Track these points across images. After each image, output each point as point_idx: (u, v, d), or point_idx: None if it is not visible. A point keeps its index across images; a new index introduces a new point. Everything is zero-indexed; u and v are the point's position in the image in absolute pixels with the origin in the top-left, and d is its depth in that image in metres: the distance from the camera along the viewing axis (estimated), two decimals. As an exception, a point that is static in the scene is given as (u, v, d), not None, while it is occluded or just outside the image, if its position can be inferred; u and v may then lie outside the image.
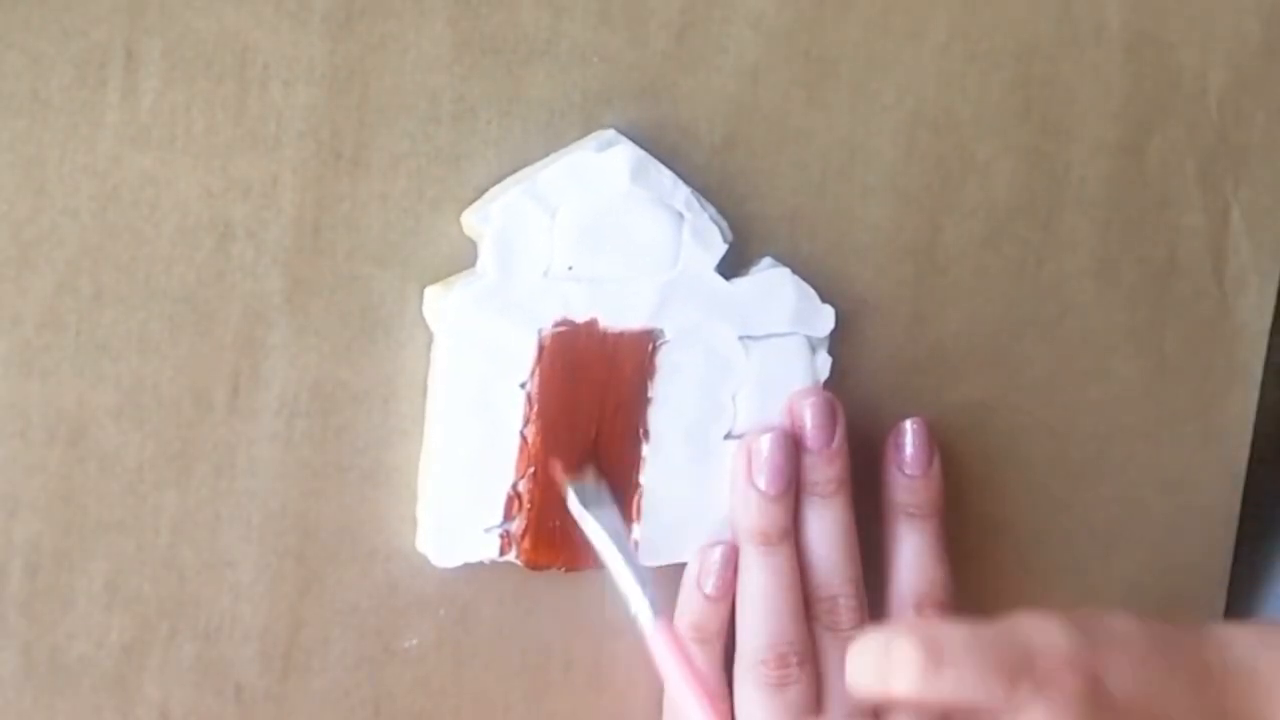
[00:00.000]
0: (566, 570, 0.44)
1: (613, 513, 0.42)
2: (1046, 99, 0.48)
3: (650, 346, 0.44)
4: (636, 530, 0.45)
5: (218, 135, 0.39)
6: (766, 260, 0.45)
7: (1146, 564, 0.54)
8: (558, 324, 0.43)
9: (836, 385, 0.46)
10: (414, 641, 0.45)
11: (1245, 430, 0.54)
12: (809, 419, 0.44)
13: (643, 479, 0.44)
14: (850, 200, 0.46)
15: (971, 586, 0.52)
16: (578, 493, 0.43)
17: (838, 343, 0.46)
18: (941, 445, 0.50)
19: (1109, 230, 0.50)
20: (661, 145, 0.43)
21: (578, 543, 0.44)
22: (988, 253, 0.49)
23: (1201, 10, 0.49)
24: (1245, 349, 0.53)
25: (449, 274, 0.42)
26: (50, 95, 0.38)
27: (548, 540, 0.44)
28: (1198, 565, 0.55)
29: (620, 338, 0.43)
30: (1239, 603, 0.57)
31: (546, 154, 0.43)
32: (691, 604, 0.44)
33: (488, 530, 0.43)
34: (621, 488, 0.44)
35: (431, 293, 0.42)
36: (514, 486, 0.43)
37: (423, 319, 0.42)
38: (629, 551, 0.41)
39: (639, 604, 0.40)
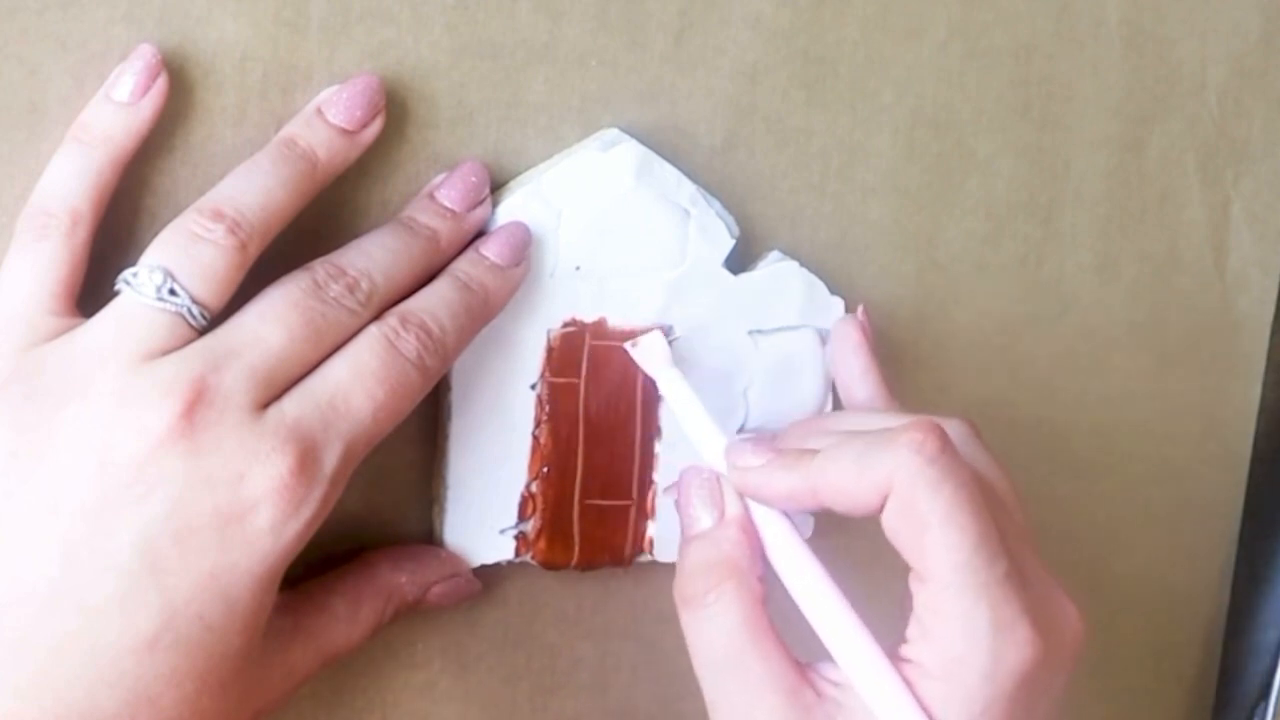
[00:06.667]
0: (581, 570, 0.44)
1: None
2: (1046, 95, 0.48)
3: (661, 344, 0.44)
4: (652, 527, 0.45)
5: (218, 144, 0.39)
6: (774, 254, 0.45)
7: (1149, 559, 0.54)
8: (566, 324, 0.43)
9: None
10: (420, 646, 0.45)
11: (1247, 424, 0.54)
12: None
13: (656, 476, 0.45)
14: (851, 199, 0.46)
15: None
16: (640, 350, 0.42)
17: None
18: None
19: (1109, 226, 0.50)
20: (661, 147, 0.43)
21: (591, 541, 0.44)
22: (988, 250, 0.49)
23: (1200, 4, 0.49)
24: (1247, 343, 0.53)
25: (452, 279, 0.42)
26: (49, 106, 0.38)
27: (562, 540, 0.44)
28: (1200, 560, 0.55)
29: (630, 335, 0.43)
30: (1240, 601, 0.57)
31: (546, 158, 0.43)
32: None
33: (503, 532, 0.43)
34: (636, 485, 0.44)
35: (439, 297, 0.42)
36: (528, 488, 0.43)
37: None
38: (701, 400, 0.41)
39: (717, 446, 0.40)
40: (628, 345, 0.43)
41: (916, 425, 0.36)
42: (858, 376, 0.44)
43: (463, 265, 0.40)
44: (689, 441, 0.41)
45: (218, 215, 0.36)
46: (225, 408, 0.34)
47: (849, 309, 0.46)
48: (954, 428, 0.39)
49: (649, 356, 0.42)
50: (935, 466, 0.35)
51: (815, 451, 0.38)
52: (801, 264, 0.45)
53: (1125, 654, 0.55)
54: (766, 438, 0.41)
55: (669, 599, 0.43)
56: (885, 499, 0.36)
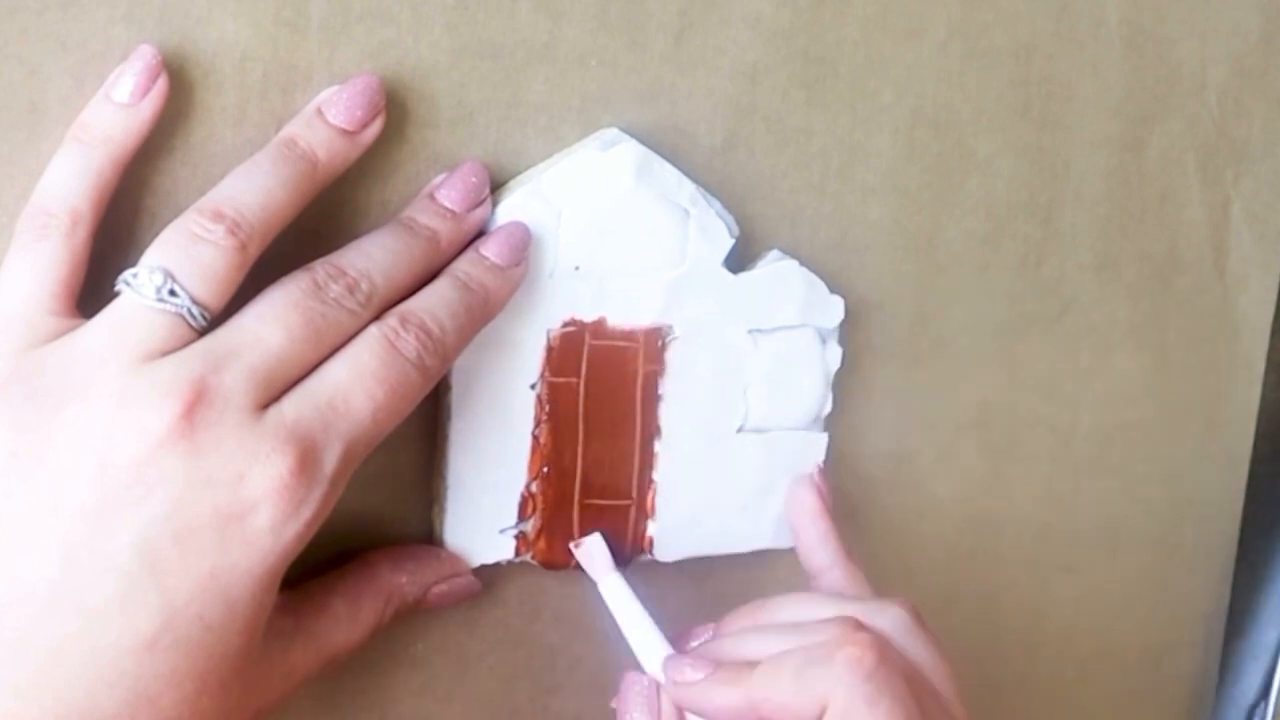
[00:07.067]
0: (581, 570, 0.44)
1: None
2: (1046, 95, 0.48)
3: (660, 343, 0.44)
4: (652, 527, 0.45)
5: (218, 144, 0.39)
6: (774, 253, 0.45)
7: (1149, 559, 0.54)
8: (566, 324, 0.43)
9: (841, 382, 0.47)
10: (419, 645, 0.45)
11: (1248, 424, 0.54)
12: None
13: (656, 475, 0.45)
14: (851, 199, 0.46)
15: (974, 583, 0.52)
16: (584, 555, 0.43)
17: (842, 339, 0.46)
18: (944, 442, 0.50)
19: (1109, 226, 0.50)
20: (661, 147, 0.43)
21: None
22: (988, 250, 0.49)
23: (1200, 4, 0.49)
24: (1247, 343, 0.53)
25: (452, 279, 0.42)
26: (49, 106, 0.38)
27: (562, 540, 0.44)
28: (1200, 559, 0.55)
29: (629, 335, 0.43)
30: (1240, 601, 0.57)
31: (546, 158, 0.43)
32: None
33: (503, 532, 0.43)
34: (636, 485, 0.44)
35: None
36: (528, 488, 0.43)
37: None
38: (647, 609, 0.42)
39: (658, 656, 0.41)
40: (572, 545, 0.43)
41: (854, 641, 0.37)
42: (817, 543, 0.45)
43: (463, 265, 0.40)
44: (630, 650, 0.42)
45: (218, 216, 0.36)
46: (225, 408, 0.34)
47: (849, 308, 0.46)
48: (894, 618, 0.40)
49: (590, 560, 0.43)
50: (872, 683, 0.36)
51: (753, 665, 0.38)
52: (801, 264, 0.45)
53: (1125, 654, 0.55)
54: (706, 632, 0.42)
55: (669, 599, 0.43)
56: (824, 711, 0.37)
